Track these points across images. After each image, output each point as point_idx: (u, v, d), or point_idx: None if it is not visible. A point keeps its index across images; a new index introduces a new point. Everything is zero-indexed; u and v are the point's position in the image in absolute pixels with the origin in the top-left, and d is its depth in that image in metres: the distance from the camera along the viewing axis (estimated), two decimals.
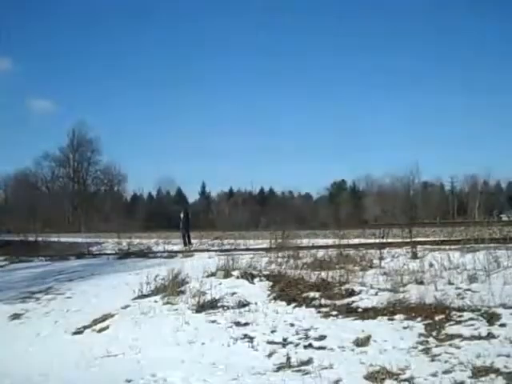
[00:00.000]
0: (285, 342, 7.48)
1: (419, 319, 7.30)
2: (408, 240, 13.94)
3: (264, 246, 18.18)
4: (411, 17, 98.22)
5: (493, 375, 5.43)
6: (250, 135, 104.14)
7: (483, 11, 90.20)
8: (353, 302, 8.53)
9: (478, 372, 5.53)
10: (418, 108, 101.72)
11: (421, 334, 6.87)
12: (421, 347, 6.52)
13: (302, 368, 6.56)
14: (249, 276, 10.58)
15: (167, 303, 9.96)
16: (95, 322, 9.73)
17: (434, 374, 5.70)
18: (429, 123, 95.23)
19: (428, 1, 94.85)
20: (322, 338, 7.38)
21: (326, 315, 8.21)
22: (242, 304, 9.18)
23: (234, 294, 9.73)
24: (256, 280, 10.41)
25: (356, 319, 7.82)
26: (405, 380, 5.72)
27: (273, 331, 7.89)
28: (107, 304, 10.55)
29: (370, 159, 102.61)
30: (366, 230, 21.72)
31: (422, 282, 8.87)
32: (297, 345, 7.34)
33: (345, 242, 14.18)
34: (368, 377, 5.94)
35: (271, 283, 10.06)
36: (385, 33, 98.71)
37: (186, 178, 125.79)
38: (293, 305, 8.87)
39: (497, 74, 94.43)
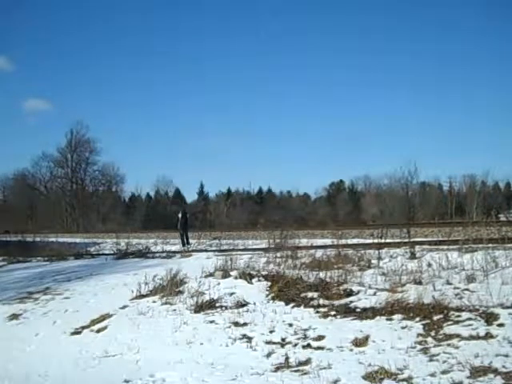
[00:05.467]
0: (283, 342, 7.49)
1: (417, 319, 7.31)
2: (406, 240, 13.98)
3: (262, 246, 18.25)
4: (411, 16, 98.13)
5: (491, 375, 5.44)
6: (248, 135, 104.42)
7: (482, 10, 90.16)
8: (351, 302, 8.54)
9: (477, 372, 5.54)
10: (416, 108, 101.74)
11: (419, 334, 6.87)
12: (419, 347, 6.53)
13: (301, 368, 6.56)
14: (247, 276, 10.59)
15: (165, 303, 9.96)
16: (93, 322, 9.73)
17: (433, 374, 5.71)
18: (427, 123, 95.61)
19: (429, 1, 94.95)
20: (320, 338, 7.38)
21: (325, 315, 8.21)
22: (241, 304, 9.18)
23: (232, 294, 9.73)
24: (254, 280, 10.41)
25: (354, 319, 7.83)
26: (403, 380, 5.73)
27: (271, 331, 7.89)
28: (105, 304, 10.55)
29: (368, 159, 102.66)
30: (364, 230, 21.83)
31: (420, 282, 8.88)
32: (295, 345, 7.34)
33: (343, 242, 14.18)
34: (366, 377, 5.94)
35: (270, 283, 10.05)
36: (384, 32, 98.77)
37: (184, 178, 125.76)
38: (291, 305, 8.87)
39: (496, 74, 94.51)
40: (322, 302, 8.76)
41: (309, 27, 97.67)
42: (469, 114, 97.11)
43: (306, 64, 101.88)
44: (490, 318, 6.86)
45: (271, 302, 9.21)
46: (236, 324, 8.40)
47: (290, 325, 8.02)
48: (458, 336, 6.56)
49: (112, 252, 20.94)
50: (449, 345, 6.40)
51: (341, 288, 9.20)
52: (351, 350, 6.87)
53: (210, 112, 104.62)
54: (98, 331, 9.30)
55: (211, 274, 11.17)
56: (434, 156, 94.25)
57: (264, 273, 10.90)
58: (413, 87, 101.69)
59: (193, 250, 19.50)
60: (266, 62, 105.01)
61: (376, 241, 13.70)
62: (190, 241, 23.80)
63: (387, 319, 7.55)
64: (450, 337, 6.61)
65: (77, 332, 9.49)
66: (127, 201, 77.33)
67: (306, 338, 7.50)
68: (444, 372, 5.71)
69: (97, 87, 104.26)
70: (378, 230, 16.88)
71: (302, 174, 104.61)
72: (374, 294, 8.70)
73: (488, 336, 6.40)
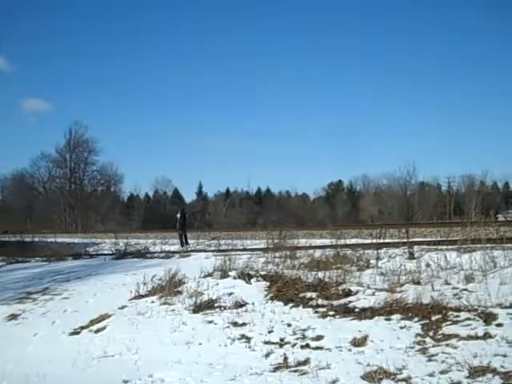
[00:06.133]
0: (282, 342, 7.49)
1: (416, 319, 7.31)
2: (405, 240, 13.97)
3: (261, 246, 18.25)
4: (410, 16, 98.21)
5: (490, 375, 5.44)
6: (247, 135, 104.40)
7: (482, 10, 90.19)
8: (350, 302, 8.54)
9: (475, 372, 5.54)
10: (415, 108, 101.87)
11: (418, 334, 6.88)
12: (418, 347, 6.53)
13: (300, 368, 6.56)
14: (246, 276, 10.59)
15: (164, 303, 9.95)
16: (92, 322, 9.72)
17: (431, 374, 5.71)
18: (426, 123, 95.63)
19: (429, 1, 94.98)
20: (319, 338, 7.38)
21: (323, 315, 8.22)
22: (239, 304, 9.18)
23: (231, 294, 9.72)
24: (253, 280, 10.41)
25: (353, 319, 7.84)
26: (402, 380, 5.73)
27: (270, 331, 7.89)
28: (104, 304, 10.54)
29: (366, 159, 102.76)
30: (363, 230, 21.84)
31: (418, 282, 8.89)
32: (294, 345, 7.34)
33: (342, 242, 14.20)
34: (365, 377, 5.95)
35: (268, 283, 10.06)
36: (384, 32, 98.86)
37: (183, 178, 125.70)
38: (290, 305, 8.87)
39: (495, 74, 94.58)
40: (320, 302, 8.76)
41: (309, 27, 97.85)
42: (468, 114, 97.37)
43: (305, 64, 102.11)
44: (488, 317, 6.87)
45: (270, 302, 9.21)
46: (235, 324, 8.40)
47: (289, 325, 8.02)
48: (456, 336, 6.57)
49: (111, 252, 20.92)
50: (447, 345, 6.40)
51: (339, 288, 9.21)
52: (350, 349, 6.87)
53: (210, 112, 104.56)
54: (97, 331, 9.29)
55: (210, 274, 11.17)
56: (432, 156, 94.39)
57: (263, 273, 10.90)
58: (413, 87, 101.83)
59: (191, 250, 19.49)
60: (266, 61, 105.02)
61: (375, 241, 13.76)
62: (189, 241, 23.81)
63: (386, 319, 7.56)
64: (448, 337, 6.62)
65: (76, 332, 9.48)
66: (126, 201, 77.30)
67: (304, 338, 7.50)
68: (443, 372, 5.72)
69: (96, 87, 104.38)
70: (376, 230, 16.96)
71: (301, 174, 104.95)
72: (373, 294, 8.70)
73: (486, 336, 6.40)
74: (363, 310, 8.09)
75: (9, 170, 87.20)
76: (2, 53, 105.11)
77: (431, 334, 6.83)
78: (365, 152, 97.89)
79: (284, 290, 9.47)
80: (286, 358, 6.93)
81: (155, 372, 7.05)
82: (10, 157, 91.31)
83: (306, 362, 6.71)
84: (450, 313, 7.23)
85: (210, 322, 8.70)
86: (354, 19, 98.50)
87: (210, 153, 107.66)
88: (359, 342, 6.98)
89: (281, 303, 9.02)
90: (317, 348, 7.10)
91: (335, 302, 8.60)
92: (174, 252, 18.83)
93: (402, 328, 7.17)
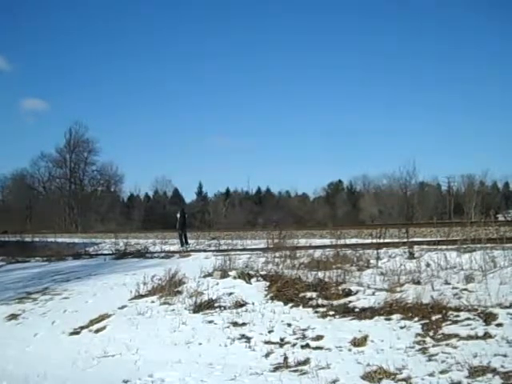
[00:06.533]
0: (282, 342, 7.49)
1: (416, 319, 7.31)
2: (405, 240, 13.98)
3: (261, 246, 18.25)
4: (410, 16, 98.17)
5: (490, 375, 5.44)
6: (247, 135, 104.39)
7: (483, 10, 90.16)
8: (350, 301, 8.54)
9: (475, 372, 5.54)
10: (415, 108, 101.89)
11: (418, 334, 6.88)
12: (418, 347, 6.53)
13: (300, 368, 6.56)
14: (246, 276, 10.58)
15: (164, 303, 9.95)
16: (92, 322, 9.72)
17: (431, 374, 5.71)
18: (426, 123, 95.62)
19: (428, 1, 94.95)
20: (319, 337, 7.38)
21: (323, 315, 8.22)
22: (239, 304, 9.18)
23: (231, 294, 9.73)
24: (253, 280, 10.41)
25: (353, 319, 7.84)
26: (402, 380, 5.73)
27: (270, 331, 7.89)
28: (104, 304, 10.54)
29: (366, 159, 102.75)
30: (362, 230, 21.88)
31: (418, 282, 8.89)
32: (294, 345, 7.35)
33: (342, 242, 14.20)
34: (365, 377, 5.95)
35: (268, 283, 10.06)
36: (383, 32, 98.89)
37: (183, 178, 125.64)
38: (290, 305, 8.87)
39: (495, 74, 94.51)
40: (320, 301, 8.76)
41: (309, 27, 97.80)
42: (468, 114, 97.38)
43: (305, 64, 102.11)
44: (488, 317, 6.87)
45: (270, 301, 9.21)
46: (235, 324, 8.40)
47: (289, 325, 8.02)
48: (456, 336, 6.57)
49: (111, 252, 20.92)
50: (447, 345, 6.40)
51: (339, 288, 9.21)
52: (350, 349, 6.87)
53: (210, 112, 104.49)
54: (97, 331, 9.29)
55: (210, 274, 11.16)
56: (432, 156, 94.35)
57: (263, 273, 10.90)
58: (413, 87, 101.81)
59: (191, 250, 19.49)
60: (266, 62, 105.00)
61: (375, 241, 13.75)
62: (189, 241, 23.82)
63: (386, 319, 7.56)
64: (448, 337, 6.62)
65: (76, 332, 9.48)
66: (126, 201, 77.26)
67: (304, 337, 7.50)
68: (443, 372, 5.72)
69: (96, 87, 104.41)
70: (376, 230, 16.98)
71: (301, 173, 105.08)
72: (373, 293, 8.70)
73: (486, 336, 6.40)
74: (363, 309, 8.09)
75: (9, 170, 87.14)
76: (1, 52, 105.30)
77: (431, 333, 6.83)
78: (365, 152, 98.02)
79: (284, 290, 9.47)
80: (286, 358, 6.93)
81: (155, 372, 7.04)
82: (9, 157, 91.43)
83: (306, 361, 6.71)
84: (450, 313, 7.23)
85: (210, 321, 8.70)
86: (353, 19, 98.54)
87: (210, 153, 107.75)
88: (359, 342, 6.98)
89: (281, 303, 9.01)
90: (317, 348, 7.10)
91: (335, 302, 8.60)
92: (173, 252, 18.83)
93: (402, 328, 7.17)
